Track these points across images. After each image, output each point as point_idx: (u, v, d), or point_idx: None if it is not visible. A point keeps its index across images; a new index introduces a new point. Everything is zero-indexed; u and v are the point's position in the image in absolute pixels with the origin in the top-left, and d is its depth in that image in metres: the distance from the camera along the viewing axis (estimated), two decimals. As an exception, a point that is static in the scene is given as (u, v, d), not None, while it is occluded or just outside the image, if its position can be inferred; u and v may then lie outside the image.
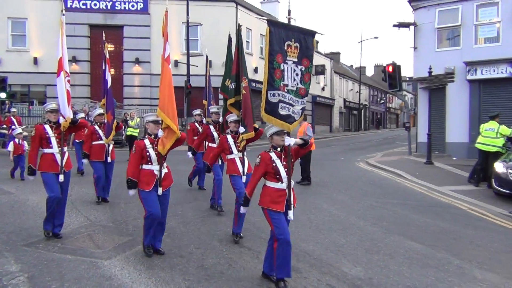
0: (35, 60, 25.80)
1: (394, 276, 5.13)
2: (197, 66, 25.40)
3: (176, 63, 26.28)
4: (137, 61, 26.62)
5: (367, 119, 57.81)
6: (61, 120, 6.11)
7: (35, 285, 4.52)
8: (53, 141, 6.07)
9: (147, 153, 5.31)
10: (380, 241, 6.59)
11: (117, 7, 26.39)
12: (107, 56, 8.95)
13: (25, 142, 11.33)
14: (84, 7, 26.29)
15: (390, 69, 17.52)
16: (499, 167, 9.94)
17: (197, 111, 10.01)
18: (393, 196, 10.32)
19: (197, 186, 10.21)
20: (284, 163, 4.64)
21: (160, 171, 5.34)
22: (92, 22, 26.49)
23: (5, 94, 20.02)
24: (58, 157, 6.06)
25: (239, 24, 7.47)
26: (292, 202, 4.61)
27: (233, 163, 6.60)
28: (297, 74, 4.72)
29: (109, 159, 8.52)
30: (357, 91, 50.86)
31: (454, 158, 16.17)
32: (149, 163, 5.33)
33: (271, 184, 4.65)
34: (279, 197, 4.57)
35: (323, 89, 41.94)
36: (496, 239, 6.91)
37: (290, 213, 4.60)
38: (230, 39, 8.54)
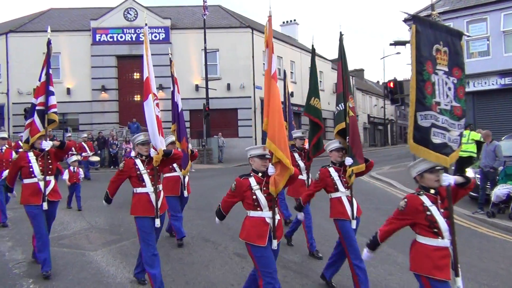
0: (68, 91, 28.07)
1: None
2: (215, 90, 27.00)
3: (197, 87, 27.96)
4: (161, 87, 28.46)
5: (394, 133, 57.90)
6: (153, 153, 5.07)
7: (32, 267, 5.91)
8: (146, 178, 5.04)
9: (254, 197, 4.12)
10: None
11: (141, 38, 28.40)
12: (175, 75, 8.02)
13: (80, 170, 10.89)
14: (111, 40, 28.49)
15: (392, 84, 18.45)
16: (469, 172, 10.81)
17: (298, 133, 7.55)
18: (372, 202, 11.23)
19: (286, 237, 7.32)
20: (442, 210, 3.55)
21: (274, 218, 4.13)
22: (119, 53, 28.64)
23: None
24: (153, 197, 5.02)
25: (340, 32, 5.57)
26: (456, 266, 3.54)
27: (339, 203, 5.13)
28: (449, 88, 3.66)
29: (185, 193, 7.24)
30: (382, 107, 51.30)
31: (453, 168, 16.75)
32: (258, 209, 4.13)
33: (425, 240, 3.52)
34: (440, 259, 3.48)
35: (345, 106, 42.73)
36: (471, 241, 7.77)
37: (458, 281, 3.49)
38: (313, 50, 7.07)
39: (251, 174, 4.24)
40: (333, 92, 40.09)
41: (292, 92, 30.92)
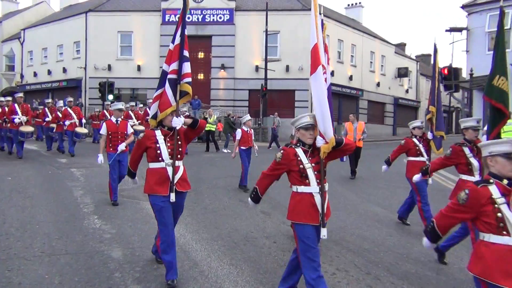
0: (138, 67, 30.18)
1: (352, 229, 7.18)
2: (274, 71, 27.94)
3: (257, 68, 29.05)
4: (223, 67, 29.82)
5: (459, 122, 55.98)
6: (320, 141, 3.97)
7: (98, 208, 7.44)
8: (311, 174, 3.96)
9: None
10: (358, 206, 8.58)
11: (207, 19, 29.82)
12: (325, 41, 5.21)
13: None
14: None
15: (446, 71, 18.58)
16: None
17: (417, 123, 7.55)
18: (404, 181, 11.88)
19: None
20: None
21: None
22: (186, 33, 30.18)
23: (112, 96, 24.23)
24: (318, 200, 3.97)
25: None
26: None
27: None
28: None
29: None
30: (447, 93, 49.82)
31: None
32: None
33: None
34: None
35: (407, 91, 42.13)
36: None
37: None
38: (501, 12, 5.27)
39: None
40: (395, 77, 39.76)
41: (332, 71, 31.26)
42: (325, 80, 4.16)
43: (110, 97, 23.88)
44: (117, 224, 6.89)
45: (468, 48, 18.38)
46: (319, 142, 3.93)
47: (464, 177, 5.58)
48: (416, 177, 6.59)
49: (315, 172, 3.93)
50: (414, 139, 7.33)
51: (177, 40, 4.83)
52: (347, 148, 4.06)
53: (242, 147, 10.19)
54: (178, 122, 4.64)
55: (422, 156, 7.23)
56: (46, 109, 17.11)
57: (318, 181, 3.94)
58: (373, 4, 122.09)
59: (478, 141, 5.62)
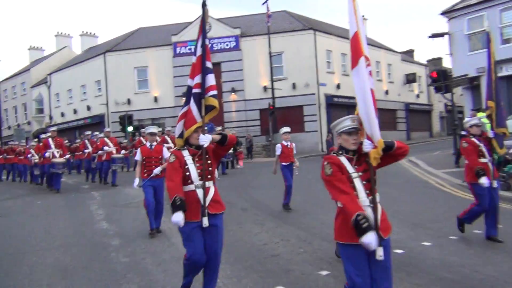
0: (155, 99, 32.34)
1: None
2: (281, 89, 29.53)
3: (265, 88, 30.72)
4: (233, 90, 31.61)
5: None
6: (367, 146, 3.39)
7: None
8: (358, 184, 3.42)
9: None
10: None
11: (215, 47, 31.79)
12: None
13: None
14: (189, 51, 32.17)
15: (435, 74, 19.73)
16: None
17: (475, 120, 6.70)
18: (396, 178, 13.04)
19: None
20: None
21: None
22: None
23: (132, 127, 26.28)
24: (371, 212, 3.36)
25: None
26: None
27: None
28: None
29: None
30: (461, 94, 50.21)
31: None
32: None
33: None
34: None
35: (418, 96, 42.96)
36: (439, 200, 9.76)
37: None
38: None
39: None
40: (404, 83, 40.75)
41: (338, 84, 32.52)
42: (370, 74, 3.46)
43: (130, 128, 25.90)
44: (119, 224, 8.57)
45: (451, 51, 19.53)
46: (367, 146, 3.36)
47: None
48: (484, 180, 5.95)
49: (364, 182, 3.41)
50: (474, 139, 6.39)
51: (199, 51, 4.50)
52: (400, 152, 3.45)
53: (283, 163, 9.37)
54: (205, 140, 4.17)
55: (484, 157, 6.33)
56: (86, 141, 17.67)
57: (368, 191, 3.39)
58: (378, 15, 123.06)
59: None
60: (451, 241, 6.40)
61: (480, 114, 13.05)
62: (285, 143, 9.41)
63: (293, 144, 9.59)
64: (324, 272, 5.28)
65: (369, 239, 3.09)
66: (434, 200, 9.81)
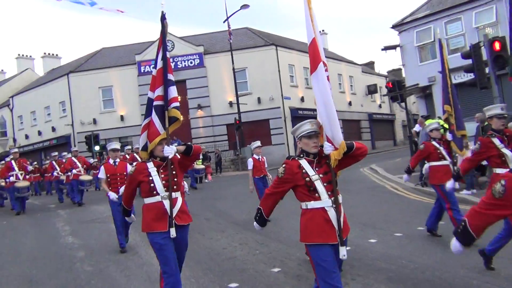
0: (122, 117, 32.37)
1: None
2: (246, 104, 30.10)
3: (231, 103, 31.23)
4: (199, 107, 31.99)
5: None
6: (328, 148, 3.50)
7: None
8: (320, 186, 3.49)
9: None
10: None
11: (179, 65, 32.17)
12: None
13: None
14: (153, 69, 32.47)
15: (391, 85, 20.72)
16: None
17: (434, 125, 7.04)
18: (354, 184, 13.68)
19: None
20: None
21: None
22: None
23: (99, 147, 26.29)
24: (332, 215, 3.47)
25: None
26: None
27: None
28: None
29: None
30: (414, 102, 52.12)
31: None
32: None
33: None
34: None
35: (380, 106, 44.39)
36: (391, 202, 10.40)
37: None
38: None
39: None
40: (366, 94, 42.10)
41: (302, 97, 33.44)
42: (328, 79, 3.59)
43: (97, 147, 25.90)
44: (84, 238, 8.80)
45: (404, 62, 20.60)
46: (328, 149, 3.46)
47: (498, 170, 4.99)
48: (450, 184, 6.02)
49: (325, 184, 3.46)
50: (434, 142, 6.78)
51: (159, 64, 4.61)
52: (359, 152, 3.51)
53: (255, 177, 9.36)
54: (170, 151, 4.27)
55: (445, 159, 6.67)
56: (53, 162, 17.39)
57: (329, 193, 3.45)
58: (338, 30, 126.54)
59: (508, 130, 5.30)
60: (395, 237, 6.95)
61: (428, 121, 13.91)
62: (256, 157, 9.47)
63: (264, 158, 9.66)
64: (276, 269, 5.73)
65: (257, 227, 3.88)
66: (387, 203, 10.44)
